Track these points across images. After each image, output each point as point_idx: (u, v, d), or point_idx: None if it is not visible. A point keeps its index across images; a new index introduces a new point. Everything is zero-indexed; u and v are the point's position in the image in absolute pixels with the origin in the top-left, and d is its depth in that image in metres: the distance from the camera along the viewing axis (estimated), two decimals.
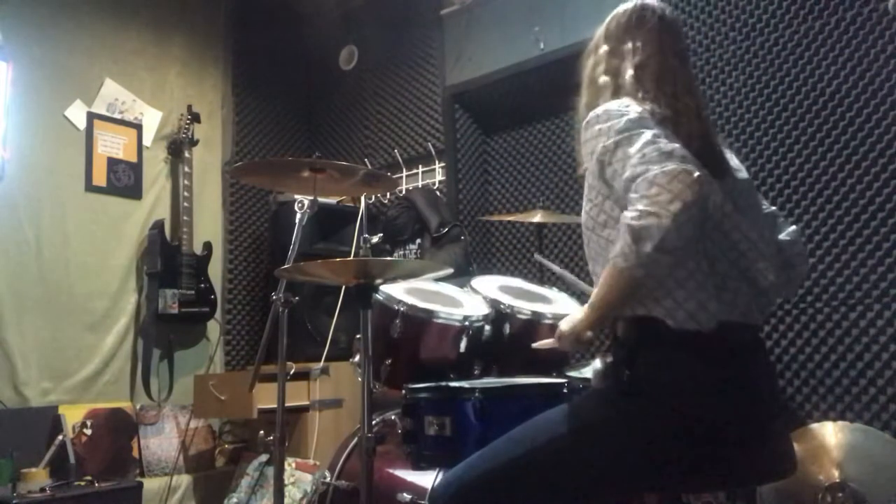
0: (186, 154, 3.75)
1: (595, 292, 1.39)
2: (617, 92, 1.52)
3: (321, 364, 3.20)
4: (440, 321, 2.14)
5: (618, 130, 1.37)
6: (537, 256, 2.18)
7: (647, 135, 1.34)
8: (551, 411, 1.45)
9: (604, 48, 1.59)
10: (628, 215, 1.29)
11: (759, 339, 1.52)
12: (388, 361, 2.12)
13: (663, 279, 1.33)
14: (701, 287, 1.34)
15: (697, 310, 1.34)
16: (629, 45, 1.56)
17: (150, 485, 3.17)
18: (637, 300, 1.36)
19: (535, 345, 1.73)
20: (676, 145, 1.33)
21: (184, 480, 3.34)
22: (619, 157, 1.36)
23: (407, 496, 1.96)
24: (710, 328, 1.33)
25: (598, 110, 1.45)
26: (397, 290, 2.18)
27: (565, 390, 1.72)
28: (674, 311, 1.34)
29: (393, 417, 2.23)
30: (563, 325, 1.49)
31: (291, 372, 2.96)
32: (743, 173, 1.55)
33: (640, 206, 1.27)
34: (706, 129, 1.51)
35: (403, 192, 3.84)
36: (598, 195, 1.46)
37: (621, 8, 1.62)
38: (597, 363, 1.45)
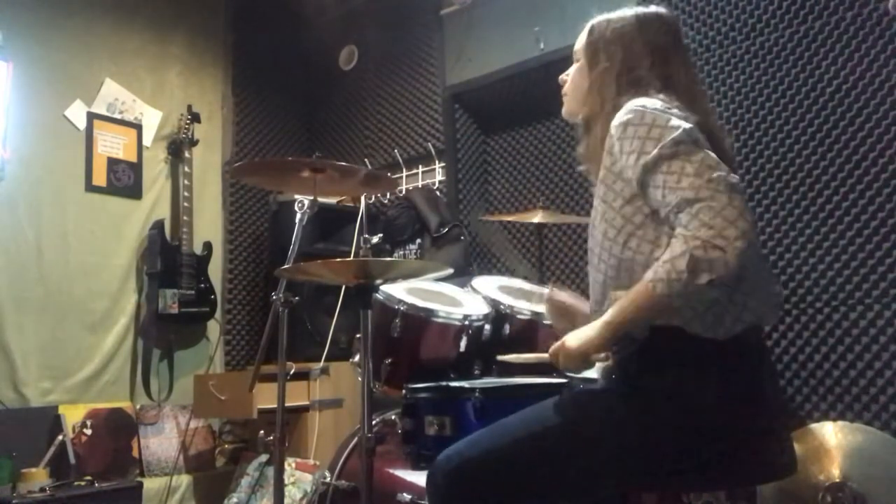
0: (186, 154, 3.75)
1: (617, 310, 1.31)
2: (646, 89, 1.45)
3: (321, 364, 3.20)
4: (440, 320, 2.14)
5: (675, 140, 1.30)
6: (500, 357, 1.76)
7: (710, 156, 1.29)
8: (561, 397, 1.45)
9: (639, 41, 1.52)
10: (690, 243, 1.21)
11: (763, 340, 1.51)
12: (388, 361, 2.13)
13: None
14: (723, 296, 1.31)
15: (717, 321, 1.32)
16: (663, 50, 1.52)
17: (150, 485, 3.17)
18: None
19: (509, 357, 1.67)
20: (736, 177, 1.28)
21: (184, 480, 3.34)
22: (673, 170, 1.28)
23: (407, 496, 1.97)
24: (728, 336, 1.33)
25: (639, 108, 1.37)
26: (397, 290, 2.18)
27: (565, 390, 1.72)
28: (692, 321, 1.32)
29: (393, 417, 2.23)
30: (571, 342, 1.37)
31: (291, 372, 2.96)
32: None
33: (703, 235, 1.21)
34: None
35: (403, 192, 3.84)
36: (617, 197, 1.40)
37: (654, 10, 1.58)
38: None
